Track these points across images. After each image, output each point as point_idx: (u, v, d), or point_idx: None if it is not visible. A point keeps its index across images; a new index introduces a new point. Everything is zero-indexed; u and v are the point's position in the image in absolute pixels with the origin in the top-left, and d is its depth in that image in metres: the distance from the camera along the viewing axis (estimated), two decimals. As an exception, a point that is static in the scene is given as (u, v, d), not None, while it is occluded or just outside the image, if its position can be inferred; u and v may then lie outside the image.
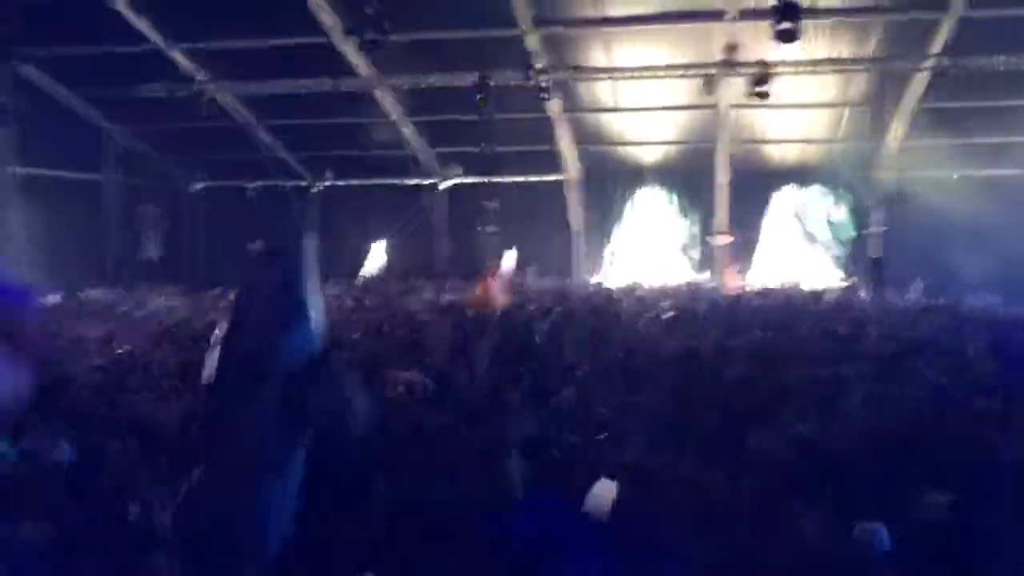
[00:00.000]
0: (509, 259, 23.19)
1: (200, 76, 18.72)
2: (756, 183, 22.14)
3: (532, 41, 17.43)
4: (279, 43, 17.83)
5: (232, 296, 3.26)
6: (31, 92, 19.05)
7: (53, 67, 19.37)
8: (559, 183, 23.04)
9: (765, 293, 18.17)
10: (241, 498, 3.16)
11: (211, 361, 3.33)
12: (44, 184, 20.85)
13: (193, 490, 3.45)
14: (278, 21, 17.01)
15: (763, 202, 22.53)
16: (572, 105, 20.46)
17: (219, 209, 24.81)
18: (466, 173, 23.19)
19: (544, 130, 21.10)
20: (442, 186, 24.18)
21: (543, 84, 18.03)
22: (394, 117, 20.90)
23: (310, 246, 3.61)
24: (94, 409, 7.14)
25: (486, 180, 21.09)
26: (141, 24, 17.38)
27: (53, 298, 17.92)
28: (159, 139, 23.01)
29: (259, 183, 23.73)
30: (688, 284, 20.52)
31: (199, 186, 24.49)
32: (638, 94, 19.47)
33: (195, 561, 3.30)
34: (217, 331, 3.42)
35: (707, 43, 17.28)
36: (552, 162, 22.49)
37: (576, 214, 23.36)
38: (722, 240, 22.14)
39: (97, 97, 21.08)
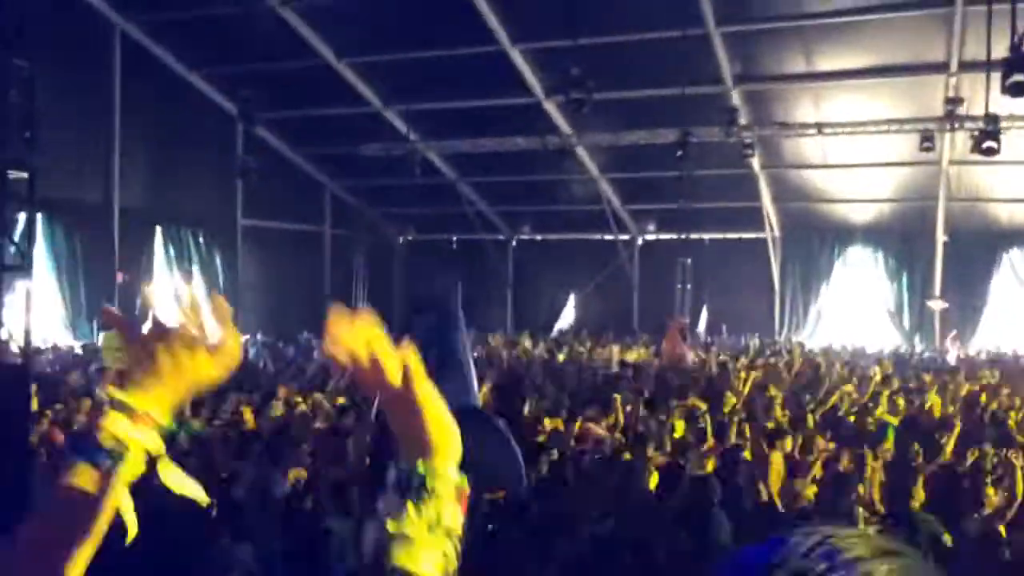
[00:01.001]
0: (702, 316, 22.88)
1: (412, 136, 19.81)
2: (979, 244, 20.54)
3: (735, 97, 17.18)
4: (485, 104, 18.59)
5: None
6: (263, 151, 20.91)
7: (282, 128, 21.12)
8: (758, 240, 22.39)
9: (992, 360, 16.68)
10: None
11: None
12: (268, 235, 22.74)
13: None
14: (484, 84, 17.77)
15: (986, 265, 20.77)
16: (775, 161, 19.92)
17: (422, 260, 25.98)
18: (662, 229, 23.03)
19: (745, 186, 20.64)
20: (638, 241, 24.15)
21: (746, 140, 17.67)
22: (593, 173, 21.16)
23: (458, 298, 3.64)
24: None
25: (682, 236, 20.84)
26: (362, 88, 18.68)
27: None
28: (372, 194, 24.50)
29: (461, 236, 24.65)
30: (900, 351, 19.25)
31: (406, 238, 25.72)
32: (848, 150, 18.63)
33: None
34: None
35: (927, 97, 16.32)
36: (751, 219, 21.92)
37: (777, 272, 22.55)
38: (939, 305, 20.62)
39: (318, 155, 22.80)
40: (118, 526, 1.18)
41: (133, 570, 4.90)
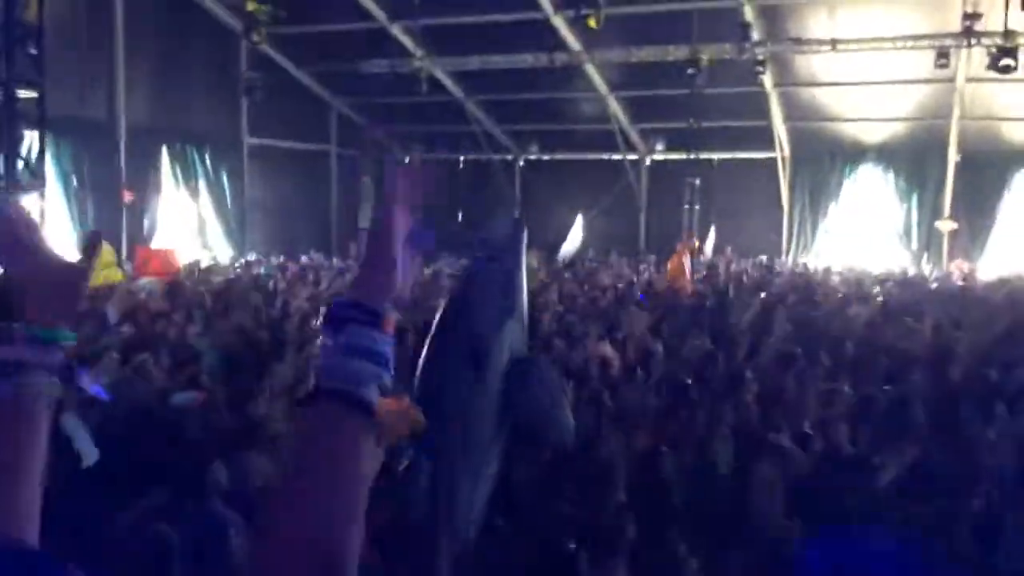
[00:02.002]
0: (710, 237, 22.84)
1: (419, 52, 19.49)
2: (992, 164, 20.32)
3: (748, 11, 16.80)
4: (493, 19, 18.22)
5: (451, 280, 3.31)
6: (268, 68, 20.62)
7: (286, 45, 20.78)
8: (768, 160, 22.19)
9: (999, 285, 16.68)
10: (444, 482, 3.20)
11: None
12: (274, 154, 22.61)
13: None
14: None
15: (999, 185, 20.56)
16: (787, 79, 19.59)
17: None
18: (671, 149, 22.82)
19: (755, 105, 20.34)
20: (646, 161, 23.96)
21: (759, 57, 17.36)
22: (601, 91, 20.86)
23: (524, 240, 3.61)
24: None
25: (691, 156, 20.65)
26: (367, 2, 18.30)
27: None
28: (378, 113, 24.23)
29: (468, 156, 24.48)
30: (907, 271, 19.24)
31: (412, 157, 25.48)
32: (861, 67, 18.27)
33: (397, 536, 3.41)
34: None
35: (943, 11, 15.94)
36: (762, 139, 21.68)
37: (786, 193, 22.41)
38: (949, 226, 20.54)
39: (324, 73, 22.46)
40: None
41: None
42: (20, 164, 7.76)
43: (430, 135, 25.07)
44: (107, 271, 11.48)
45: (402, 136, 25.55)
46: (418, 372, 3.65)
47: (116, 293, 10.57)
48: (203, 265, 17.90)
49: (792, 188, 22.38)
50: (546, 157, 24.65)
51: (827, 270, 18.90)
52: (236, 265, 18.83)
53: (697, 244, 18.16)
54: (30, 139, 8.40)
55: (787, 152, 22.08)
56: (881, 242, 21.89)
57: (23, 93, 6.97)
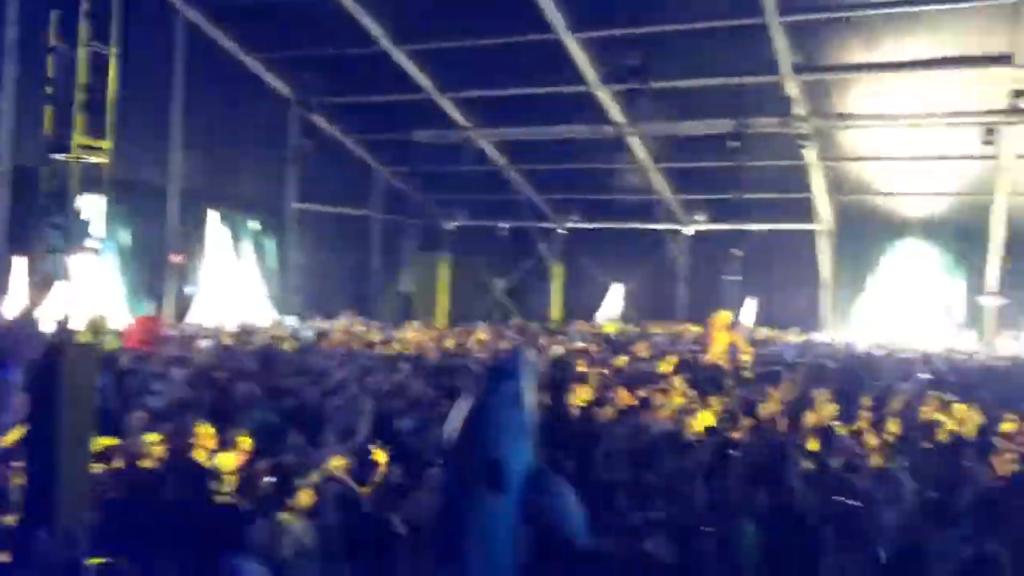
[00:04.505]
0: (749, 308, 22.66)
1: (465, 123, 19.89)
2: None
3: (791, 87, 16.95)
4: (539, 91, 18.60)
5: (464, 405, 3.68)
6: (316, 136, 21.12)
7: (336, 113, 21.31)
8: (808, 233, 22.09)
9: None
10: None
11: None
12: (320, 219, 23.01)
13: None
14: (539, 71, 17.78)
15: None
16: (830, 153, 19.62)
17: (470, 246, 26.11)
18: (712, 219, 22.84)
19: (797, 178, 20.37)
20: (687, 231, 23.99)
21: (802, 131, 17.44)
22: (644, 163, 21.04)
23: (532, 366, 3.91)
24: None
25: (732, 227, 20.63)
26: (416, 74, 18.77)
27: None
28: (423, 180, 24.65)
29: (509, 223, 24.72)
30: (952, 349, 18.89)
31: (455, 224, 25.83)
32: (904, 142, 18.30)
33: None
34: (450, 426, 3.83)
35: (990, 88, 15.96)
36: (803, 211, 21.62)
37: (826, 265, 22.25)
38: (994, 301, 20.18)
39: (371, 141, 22.98)
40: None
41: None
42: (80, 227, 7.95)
43: (473, 203, 25.41)
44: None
45: (445, 203, 25.94)
46: (440, 494, 3.96)
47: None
48: (251, 327, 18.15)
49: (833, 261, 22.21)
50: (587, 225, 24.82)
51: (871, 346, 18.61)
52: (280, 327, 19.04)
53: (727, 319, 17.72)
54: (91, 201, 8.62)
55: (829, 225, 21.97)
56: (923, 316, 21.54)
57: (92, 159, 7.19)
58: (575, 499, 3.60)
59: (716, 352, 16.03)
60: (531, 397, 3.74)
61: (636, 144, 20.28)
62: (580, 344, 17.67)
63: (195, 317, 19.05)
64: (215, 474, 6.30)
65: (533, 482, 3.53)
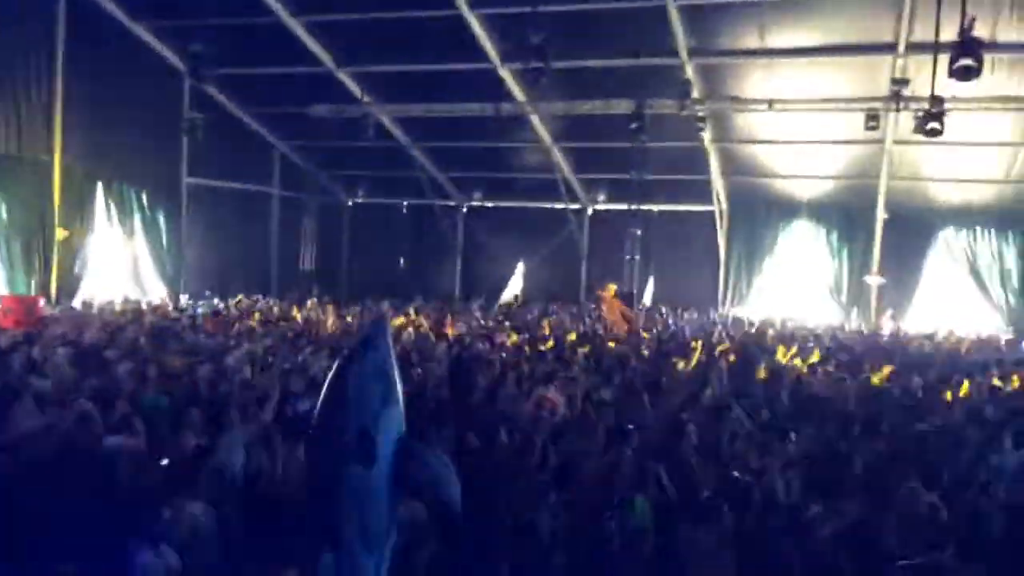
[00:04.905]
0: (648, 286, 23.26)
1: (365, 98, 19.56)
2: (917, 223, 21.14)
3: (689, 70, 17.32)
4: (440, 68, 18.46)
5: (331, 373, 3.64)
6: (210, 109, 20.41)
7: (230, 86, 20.64)
8: (707, 213, 22.72)
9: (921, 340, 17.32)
10: (347, 567, 3.43)
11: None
12: (216, 195, 22.33)
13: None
14: (440, 48, 17.64)
15: (923, 243, 21.40)
16: (726, 135, 20.18)
17: (371, 224, 25.83)
18: (613, 199, 23.22)
19: (695, 159, 20.89)
20: (588, 211, 24.33)
21: (699, 114, 17.85)
22: (546, 142, 21.18)
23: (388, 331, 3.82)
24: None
25: (632, 207, 21.02)
26: (314, 47, 18.33)
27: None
28: (322, 156, 24.18)
29: (411, 201, 24.53)
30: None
31: (355, 201, 25.49)
32: (796, 126, 18.97)
33: None
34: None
35: (874, 76, 16.68)
36: (701, 192, 22.23)
37: (723, 245, 22.95)
38: (876, 281, 21.24)
39: (268, 115, 22.36)
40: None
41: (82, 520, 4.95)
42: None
43: (374, 179, 25.12)
44: None
45: (346, 180, 25.56)
46: (309, 467, 3.83)
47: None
48: (142, 306, 17.55)
49: (729, 241, 22.92)
50: (489, 204, 24.84)
51: (763, 323, 19.38)
52: (172, 306, 18.47)
53: (613, 291, 18.39)
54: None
55: (725, 206, 22.65)
56: (812, 296, 22.49)
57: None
58: (450, 470, 3.54)
59: (611, 320, 16.70)
60: (394, 364, 3.64)
61: (538, 123, 20.40)
62: (481, 322, 17.82)
63: (83, 295, 18.28)
64: (109, 459, 6.11)
65: (405, 453, 3.46)
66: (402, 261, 26.26)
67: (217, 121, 20.41)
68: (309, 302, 20.05)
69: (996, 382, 11.51)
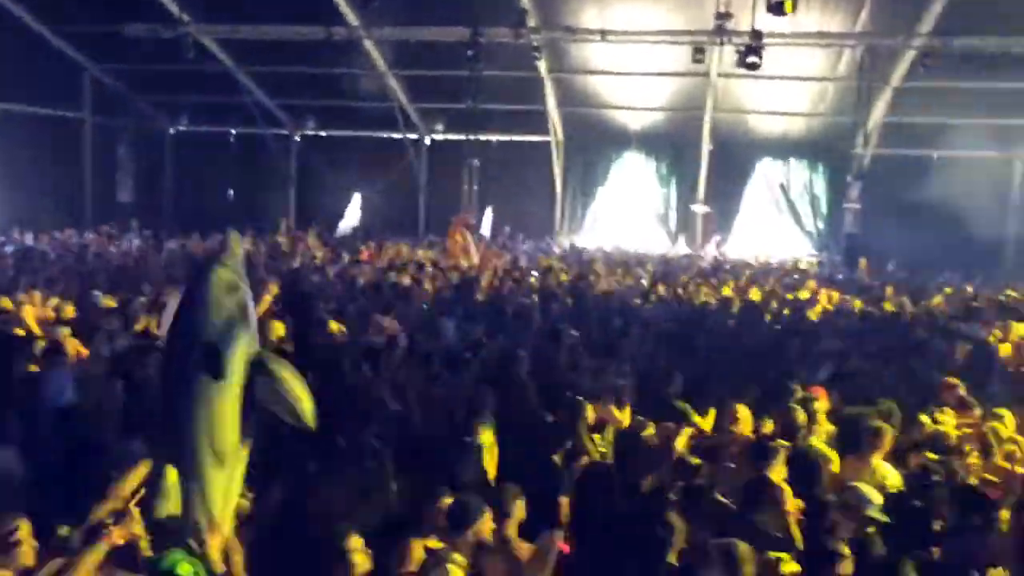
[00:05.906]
0: (486, 217, 23.41)
1: (185, 17, 18.27)
2: (740, 154, 22.30)
3: (526, -1, 17.26)
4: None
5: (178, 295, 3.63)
6: (10, 27, 18.53)
7: (33, 3, 18.78)
8: (543, 144, 22.99)
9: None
10: (195, 477, 3.46)
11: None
12: (21, 120, 20.41)
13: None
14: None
15: (746, 173, 22.68)
16: (561, 66, 20.35)
17: (197, 153, 24.48)
18: (450, 129, 23.03)
19: (532, 90, 20.98)
20: (425, 141, 24.04)
21: (534, 43, 17.88)
22: (381, 69, 20.64)
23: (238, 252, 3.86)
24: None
25: (470, 137, 20.95)
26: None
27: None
28: (139, 80, 22.52)
29: (240, 129, 23.39)
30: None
31: (178, 129, 24.07)
32: (628, 58, 19.37)
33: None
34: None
35: (701, 10, 17.18)
36: (538, 122, 22.42)
37: (558, 175, 23.37)
38: (702, 209, 22.32)
39: (75, 33, 20.50)
40: None
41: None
42: None
43: (197, 106, 23.73)
44: None
45: (166, 106, 24.01)
46: (159, 388, 3.79)
47: None
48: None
49: (564, 171, 23.36)
50: (324, 133, 24.06)
51: (597, 251, 20.02)
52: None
53: (472, 221, 18.66)
54: None
55: (560, 136, 22.98)
56: (643, 224, 23.42)
57: None
58: (302, 384, 3.58)
59: (455, 252, 16.75)
60: (244, 284, 3.69)
61: (372, 48, 19.80)
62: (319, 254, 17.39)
63: None
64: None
65: (256, 368, 3.50)
66: (231, 193, 25.13)
67: (17, 39, 18.55)
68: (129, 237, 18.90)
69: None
